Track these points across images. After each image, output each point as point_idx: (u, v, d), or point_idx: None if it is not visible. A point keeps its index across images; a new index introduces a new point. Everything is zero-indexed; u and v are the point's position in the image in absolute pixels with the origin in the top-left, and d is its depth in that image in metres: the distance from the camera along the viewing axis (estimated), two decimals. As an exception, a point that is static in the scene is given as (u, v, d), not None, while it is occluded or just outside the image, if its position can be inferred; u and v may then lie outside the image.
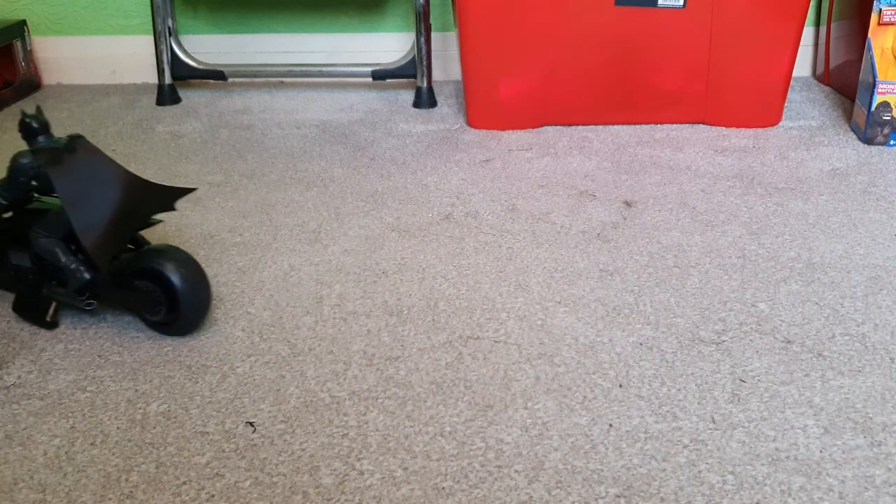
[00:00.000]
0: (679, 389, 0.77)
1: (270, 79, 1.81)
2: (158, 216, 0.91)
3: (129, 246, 0.90)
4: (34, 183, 0.84)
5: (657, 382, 0.78)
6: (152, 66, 1.79)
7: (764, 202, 1.17)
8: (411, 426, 0.73)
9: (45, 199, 0.90)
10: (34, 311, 0.89)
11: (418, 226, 1.12)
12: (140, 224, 0.88)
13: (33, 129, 0.84)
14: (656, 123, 1.50)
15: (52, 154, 0.82)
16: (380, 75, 1.67)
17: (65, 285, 0.87)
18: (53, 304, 0.89)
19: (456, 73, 1.83)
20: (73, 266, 0.85)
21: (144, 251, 0.86)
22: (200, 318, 0.87)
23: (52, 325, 0.89)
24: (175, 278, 0.83)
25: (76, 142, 0.83)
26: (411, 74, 1.65)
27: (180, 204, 1.21)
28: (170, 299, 0.84)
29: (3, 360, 0.85)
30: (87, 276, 0.85)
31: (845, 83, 1.61)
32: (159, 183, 0.86)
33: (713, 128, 1.48)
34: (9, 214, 0.90)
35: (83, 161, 0.83)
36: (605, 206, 1.17)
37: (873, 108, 1.35)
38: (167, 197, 0.89)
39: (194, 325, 0.87)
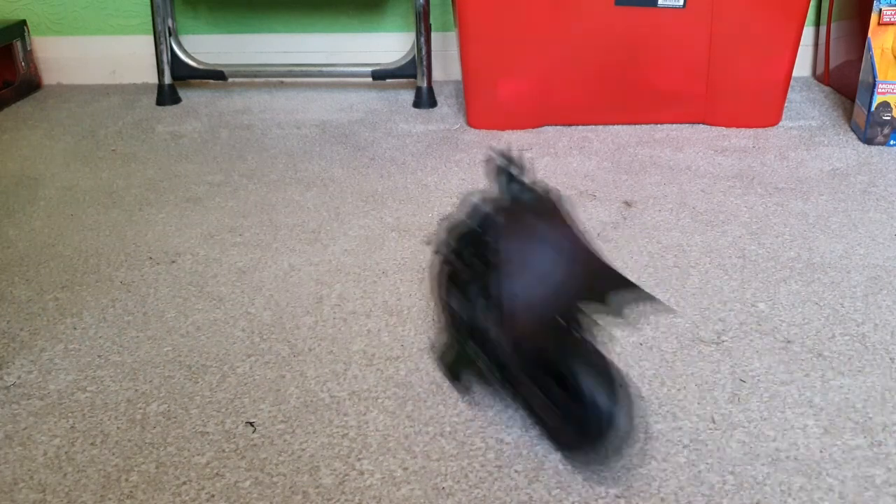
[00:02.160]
0: (679, 389, 0.77)
1: (270, 79, 1.81)
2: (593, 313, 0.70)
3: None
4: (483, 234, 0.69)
5: (657, 382, 0.78)
6: (152, 66, 1.79)
7: (764, 202, 1.17)
8: (411, 426, 0.73)
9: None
10: (452, 365, 0.78)
11: (418, 226, 1.12)
12: (573, 314, 0.68)
13: (508, 175, 0.69)
14: (656, 123, 1.50)
15: (520, 209, 0.67)
16: (380, 75, 1.68)
17: (483, 349, 0.72)
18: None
19: (456, 73, 1.83)
20: (493, 333, 0.69)
21: (575, 349, 0.67)
22: (607, 458, 0.68)
23: (464, 389, 0.77)
24: (598, 402, 0.64)
25: (548, 195, 0.69)
26: (411, 74, 1.65)
27: (180, 203, 1.21)
28: (581, 422, 0.66)
29: (3, 360, 0.85)
30: (500, 354, 0.69)
31: (845, 83, 1.61)
32: (610, 266, 0.70)
33: (713, 128, 1.48)
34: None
35: (540, 224, 0.68)
36: (605, 206, 1.17)
37: (873, 108, 1.35)
38: (612, 286, 0.69)
39: (596, 462, 0.69)
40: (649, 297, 0.69)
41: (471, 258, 0.72)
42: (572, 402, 0.65)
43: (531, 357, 0.68)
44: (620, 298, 0.68)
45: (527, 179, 0.69)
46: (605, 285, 0.68)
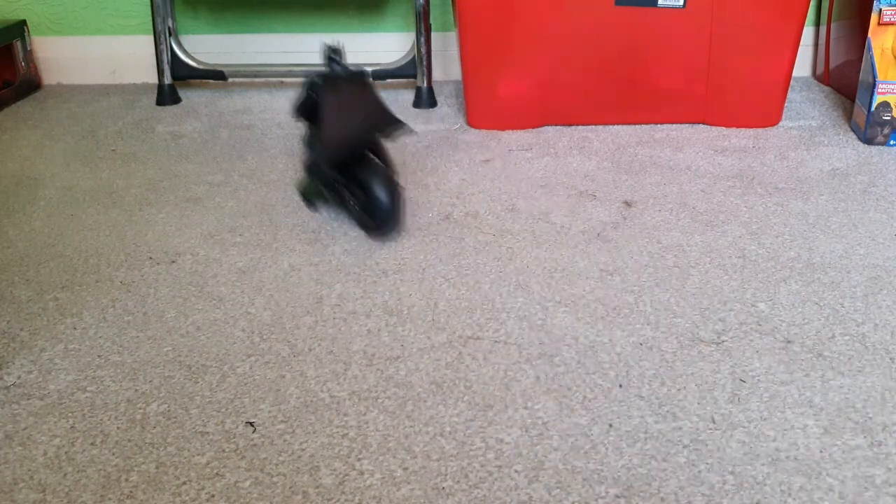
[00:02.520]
0: (679, 389, 0.77)
1: (270, 79, 1.81)
2: (382, 137, 1.10)
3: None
4: (314, 95, 1.08)
5: (657, 382, 0.78)
6: (152, 66, 1.79)
7: (764, 202, 1.17)
8: (411, 426, 0.73)
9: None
10: (304, 192, 1.18)
11: (418, 226, 1.12)
12: (370, 142, 1.08)
13: (330, 58, 1.06)
14: (656, 123, 1.50)
15: (332, 79, 1.06)
16: (380, 75, 1.67)
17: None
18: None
19: (456, 73, 1.83)
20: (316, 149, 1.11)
21: (368, 167, 1.06)
22: (392, 227, 1.08)
23: (313, 209, 1.16)
24: (379, 194, 1.04)
25: (356, 75, 1.07)
26: (411, 74, 1.65)
27: (180, 203, 1.21)
28: (369, 208, 1.06)
29: (3, 360, 0.85)
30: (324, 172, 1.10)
31: (845, 83, 1.61)
32: (391, 113, 1.10)
33: (713, 128, 1.48)
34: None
35: (352, 88, 1.06)
36: (605, 206, 1.17)
37: (873, 108, 1.35)
38: (390, 125, 1.09)
39: (387, 232, 1.08)
40: (410, 129, 1.17)
41: (307, 114, 1.11)
42: (368, 199, 1.05)
43: (341, 170, 1.07)
44: (394, 131, 1.09)
45: (344, 62, 1.06)
46: (388, 125, 1.09)
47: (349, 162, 1.06)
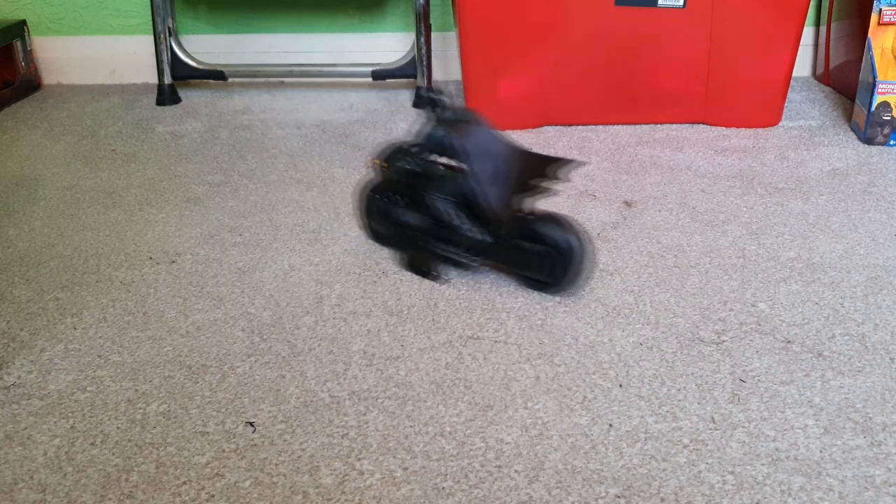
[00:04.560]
0: (679, 389, 0.77)
1: (270, 79, 1.81)
2: (544, 184, 0.96)
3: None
4: (440, 152, 0.96)
5: (657, 382, 0.78)
6: (152, 66, 1.79)
7: (764, 202, 1.17)
8: (411, 426, 0.73)
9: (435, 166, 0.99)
10: (421, 265, 0.99)
11: (418, 226, 1.12)
12: (526, 190, 0.95)
13: (436, 101, 0.93)
14: (656, 123, 1.50)
15: (458, 125, 0.92)
16: (380, 75, 1.68)
17: (453, 244, 0.96)
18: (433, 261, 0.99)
19: (456, 73, 1.83)
20: (465, 226, 0.94)
21: (533, 217, 0.92)
22: (580, 282, 0.94)
23: (438, 278, 0.97)
24: (567, 243, 0.90)
25: (470, 114, 0.94)
26: (411, 74, 1.65)
27: (180, 203, 1.21)
28: (557, 262, 0.91)
29: (3, 360, 0.85)
30: (478, 236, 0.94)
31: (845, 83, 1.61)
32: (540, 154, 0.99)
33: (713, 128, 1.48)
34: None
35: (479, 132, 0.93)
36: (605, 206, 1.17)
37: (873, 108, 1.35)
38: (548, 167, 0.95)
39: (573, 287, 0.94)
40: (574, 161, 0.98)
41: (410, 176, 0.98)
42: (545, 250, 0.91)
43: (509, 226, 0.93)
44: (554, 168, 0.94)
45: (451, 105, 0.94)
46: (540, 163, 0.95)
47: (516, 216, 0.93)
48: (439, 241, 0.97)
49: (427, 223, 0.98)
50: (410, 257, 1.00)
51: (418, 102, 0.92)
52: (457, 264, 0.98)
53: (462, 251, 0.96)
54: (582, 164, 0.95)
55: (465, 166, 0.91)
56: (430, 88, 0.94)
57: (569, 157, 1.35)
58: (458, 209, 0.95)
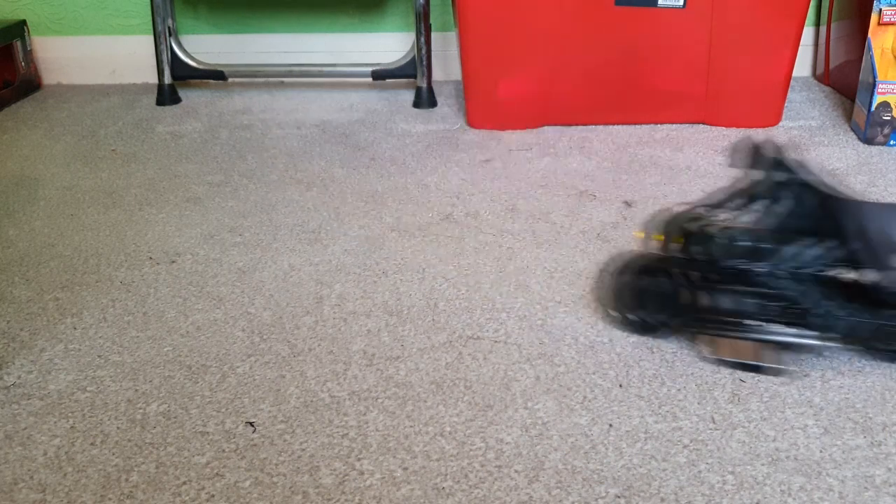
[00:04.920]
0: (679, 389, 0.77)
1: (270, 79, 1.81)
2: None
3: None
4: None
5: (657, 382, 0.78)
6: (152, 66, 1.79)
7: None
8: (411, 426, 0.73)
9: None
10: (750, 357, 0.81)
11: (418, 226, 1.12)
12: None
13: (781, 168, 0.78)
14: (656, 123, 1.50)
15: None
16: (380, 75, 1.67)
17: (801, 326, 0.80)
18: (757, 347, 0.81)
19: (456, 73, 1.83)
20: (831, 306, 0.78)
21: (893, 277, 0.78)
22: None
23: (779, 372, 0.80)
24: None
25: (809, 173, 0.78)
26: (411, 74, 1.65)
27: (180, 203, 1.21)
28: None
29: (3, 360, 0.85)
30: (857, 317, 0.78)
31: (845, 83, 1.61)
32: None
33: (713, 128, 1.48)
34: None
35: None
36: (605, 206, 1.17)
37: (873, 108, 1.35)
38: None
39: None
40: None
41: (727, 251, 0.79)
42: None
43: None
44: None
45: (792, 163, 0.78)
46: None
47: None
48: (776, 325, 0.80)
49: (754, 305, 0.80)
50: (732, 348, 0.81)
51: (749, 160, 0.76)
52: (797, 349, 0.82)
53: (820, 334, 0.79)
54: None
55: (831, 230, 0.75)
56: (763, 145, 0.77)
57: (570, 156, 1.35)
58: (813, 284, 0.78)
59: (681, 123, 1.50)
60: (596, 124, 1.50)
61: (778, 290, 0.79)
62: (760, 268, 0.79)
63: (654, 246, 0.84)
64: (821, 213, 0.77)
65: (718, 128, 1.48)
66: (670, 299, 0.83)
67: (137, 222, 1.15)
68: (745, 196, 0.79)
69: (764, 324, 0.80)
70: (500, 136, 1.46)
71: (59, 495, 0.66)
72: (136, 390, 0.79)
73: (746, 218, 0.80)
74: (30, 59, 1.80)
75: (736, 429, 0.72)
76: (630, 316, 0.85)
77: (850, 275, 0.79)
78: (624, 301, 0.85)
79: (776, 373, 0.79)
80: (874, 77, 1.34)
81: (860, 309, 0.78)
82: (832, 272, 0.78)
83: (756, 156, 0.78)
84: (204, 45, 1.81)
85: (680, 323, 0.83)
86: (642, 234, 0.85)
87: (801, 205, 0.77)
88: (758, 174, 0.78)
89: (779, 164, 0.78)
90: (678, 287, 0.82)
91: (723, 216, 0.81)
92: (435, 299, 0.94)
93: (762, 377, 0.79)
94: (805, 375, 0.79)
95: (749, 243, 0.79)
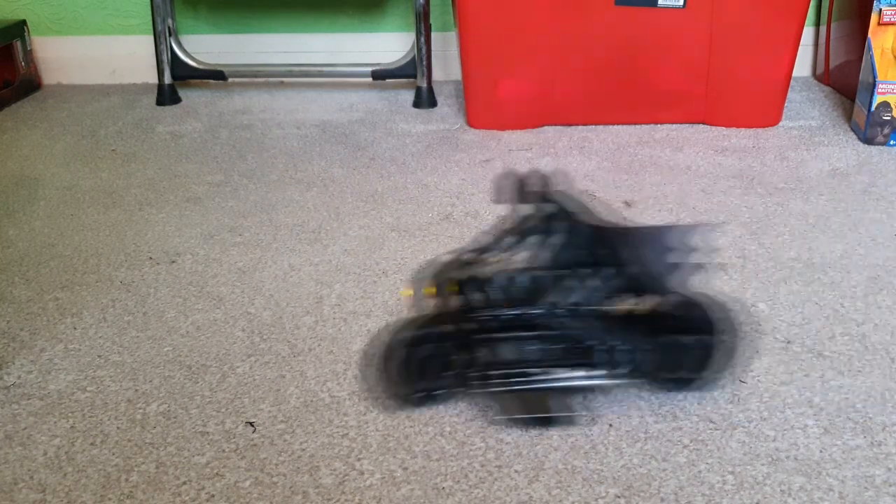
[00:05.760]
0: (679, 389, 0.77)
1: (270, 79, 1.81)
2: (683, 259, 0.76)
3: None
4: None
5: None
6: (152, 66, 1.79)
7: (764, 202, 1.17)
8: (411, 426, 0.73)
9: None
10: (541, 409, 0.74)
11: (418, 226, 1.12)
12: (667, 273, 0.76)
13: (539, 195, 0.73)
14: (656, 123, 1.50)
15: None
16: (380, 75, 1.67)
17: (587, 367, 0.75)
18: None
19: (456, 73, 1.83)
20: (609, 339, 0.74)
21: (671, 301, 0.75)
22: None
23: (572, 420, 0.74)
24: (720, 322, 0.74)
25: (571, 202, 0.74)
26: (411, 74, 1.65)
27: (180, 203, 1.21)
28: (715, 349, 0.75)
29: (3, 360, 0.85)
30: (631, 346, 0.74)
31: (845, 83, 1.61)
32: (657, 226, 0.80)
33: (713, 128, 1.48)
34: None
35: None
36: (605, 206, 1.17)
37: (873, 108, 1.35)
38: (675, 238, 0.76)
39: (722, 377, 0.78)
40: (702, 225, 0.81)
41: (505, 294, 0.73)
42: (702, 339, 0.75)
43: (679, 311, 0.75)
44: (682, 236, 0.76)
45: (552, 191, 0.73)
46: (664, 237, 0.76)
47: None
48: (564, 369, 0.75)
49: (537, 352, 0.74)
50: (519, 403, 0.74)
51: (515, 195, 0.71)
52: (588, 390, 0.77)
53: (608, 371, 0.75)
54: (711, 227, 0.79)
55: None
56: (531, 177, 0.73)
57: (570, 156, 1.35)
58: (595, 320, 0.74)
59: (681, 123, 1.50)
60: (596, 124, 1.50)
61: (560, 331, 0.73)
62: (539, 309, 0.73)
63: (427, 303, 0.75)
64: (595, 242, 0.73)
65: (718, 128, 1.48)
66: (448, 362, 0.74)
67: (137, 222, 1.15)
68: (516, 233, 0.73)
69: (550, 369, 0.74)
70: (500, 136, 1.46)
71: (59, 495, 0.66)
72: (136, 390, 0.79)
73: (521, 256, 0.74)
74: (30, 59, 1.80)
75: (736, 429, 0.72)
76: (413, 395, 0.76)
77: (630, 303, 0.75)
78: (401, 377, 0.75)
79: (568, 422, 0.73)
80: (874, 77, 1.34)
81: (643, 339, 0.74)
82: (613, 303, 0.74)
83: (522, 189, 0.73)
84: (204, 45, 1.81)
85: (462, 386, 0.75)
86: (411, 293, 0.76)
87: (574, 236, 0.73)
88: (527, 208, 0.73)
89: (546, 196, 0.73)
90: (456, 345, 0.74)
91: (495, 257, 0.74)
92: (435, 299, 0.93)
93: (762, 377, 0.79)
94: (805, 375, 0.79)
95: (527, 282, 0.73)
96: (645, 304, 0.75)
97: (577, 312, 0.73)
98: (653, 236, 0.76)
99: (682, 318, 0.75)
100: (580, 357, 0.74)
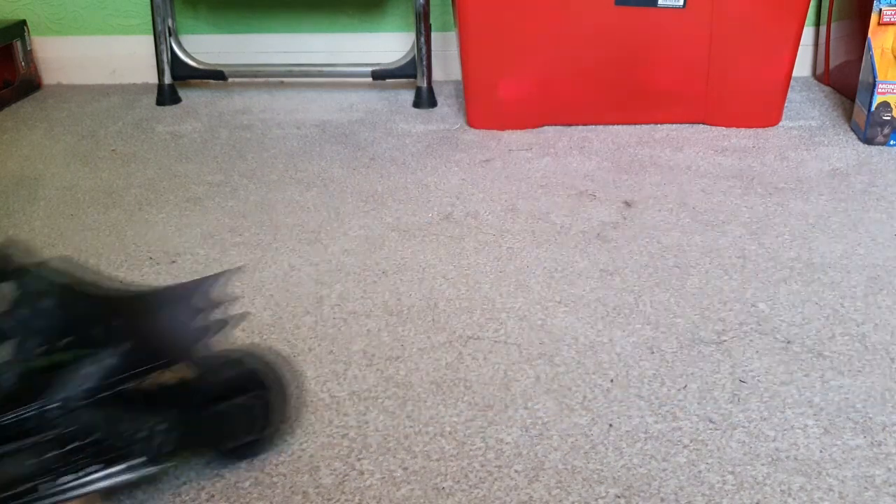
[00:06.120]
0: (679, 389, 0.77)
1: (270, 79, 1.81)
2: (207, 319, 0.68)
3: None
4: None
5: (657, 382, 0.78)
6: (152, 66, 1.79)
7: (764, 202, 1.17)
8: (411, 426, 0.73)
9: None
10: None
11: (418, 226, 1.12)
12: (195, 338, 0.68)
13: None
14: (656, 123, 1.50)
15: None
16: (380, 75, 1.67)
17: (122, 459, 0.63)
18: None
19: (456, 73, 1.83)
20: (139, 421, 0.64)
21: (217, 361, 0.68)
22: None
23: None
24: (271, 371, 0.69)
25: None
26: (411, 74, 1.65)
27: (180, 203, 1.21)
28: (271, 404, 0.70)
29: (3, 360, 0.84)
30: (164, 425, 0.64)
31: (845, 83, 1.61)
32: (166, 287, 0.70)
33: (713, 128, 1.48)
34: None
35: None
36: (605, 206, 1.17)
37: (873, 108, 1.35)
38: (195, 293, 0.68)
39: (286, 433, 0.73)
40: (219, 275, 0.69)
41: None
42: (252, 397, 0.68)
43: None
44: (203, 292, 0.68)
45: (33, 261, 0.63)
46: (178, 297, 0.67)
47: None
48: (88, 469, 0.61)
49: (46, 462, 0.60)
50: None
51: None
52: (132, 485, 0.67)
53: (143, 460, 0.63)
54: (227, 274, 0.72)
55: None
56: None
57: (570, 155, 1.35)
58: (115, 406, 0.62)
59: (681, 123, 1.50)
60: (596, 124, 1.50)
61: (69, 429, 0.60)
62: (33, 410, 0.60)
63: None
64: (101, 315, 0.63)
65: (718, 128, 1.48)
66: None
67: (137, 222, 1.15)
68: None
69: (61, 478, 0.60)
70: (500, 136, 1.46)
71: (58, 495, 0.66)
72: (136, 390, 0.79)
73: (3, 349, 0.60)
74: (30, 59, 1.80)
75: (736, 429, 0.72)
76: None
77: (162, 377, 0.65)
78: None
79: None
80: (874, 77, 1.34)
81: (167, 416, 0.64)
82: (131, 382, 0.63)
83: None
84: (204, 45, 1.81)
85: None
86: None
87: (70, 312, 0.62)
88: (6, 289, 0.61)
89: (23, 270, 0.61)
90: None
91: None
92: (435, 299, 0.94)
93: (762, 377, 0.79)
94: (805, 375, 0.79)
95: (15, 380, 0.60)
96: (172, 374, 0.65)
97: (69, 406, 0.60)
98: (172, 298, 0.67)
99: (221, 381, 0.67)
100: (109, 452, 0.62)
